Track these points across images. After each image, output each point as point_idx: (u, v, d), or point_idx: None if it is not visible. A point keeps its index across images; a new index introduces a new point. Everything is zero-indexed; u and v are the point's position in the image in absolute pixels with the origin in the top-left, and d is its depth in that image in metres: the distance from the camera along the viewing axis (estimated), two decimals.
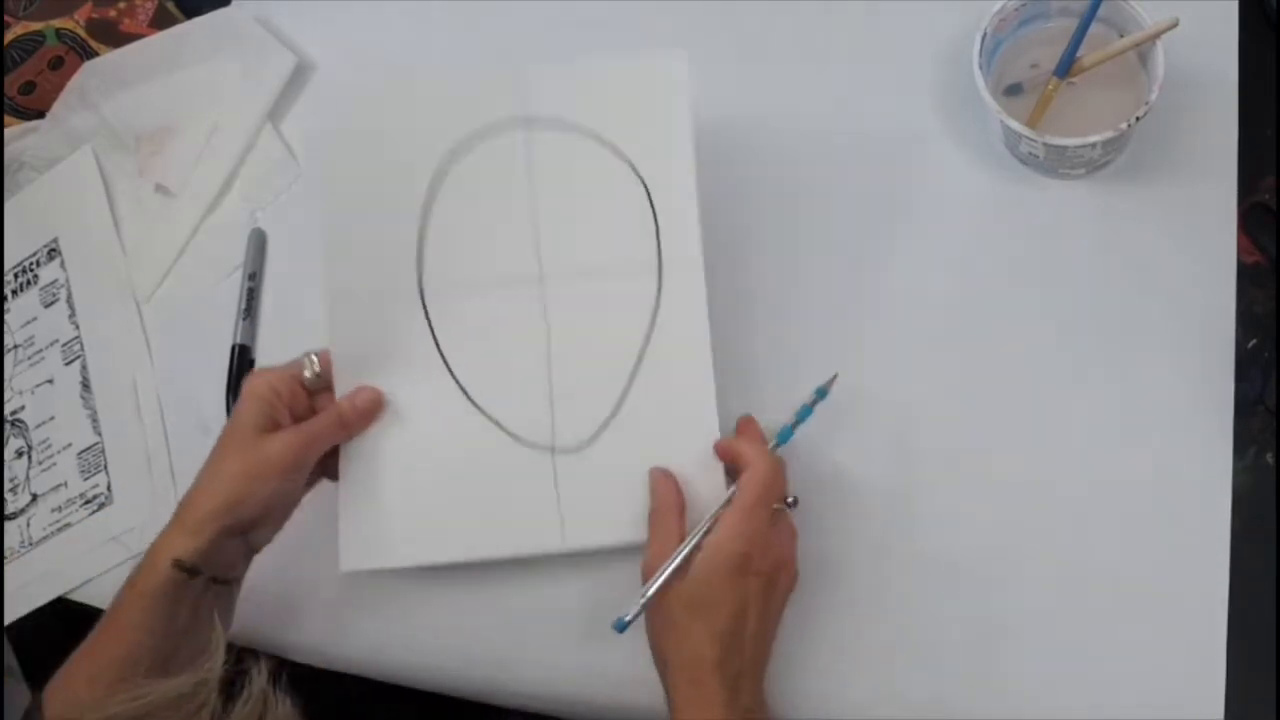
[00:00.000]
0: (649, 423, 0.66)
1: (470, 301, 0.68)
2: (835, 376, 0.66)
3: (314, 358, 0.67)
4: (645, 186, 0.67)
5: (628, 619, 0.60)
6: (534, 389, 0.67)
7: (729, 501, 0.61)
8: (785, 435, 0.65)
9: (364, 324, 0.68)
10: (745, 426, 0.66)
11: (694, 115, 0.67)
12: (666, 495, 0.63)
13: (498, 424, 0.67)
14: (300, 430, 0.64)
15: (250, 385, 0.65)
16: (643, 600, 0.60)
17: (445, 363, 0.67)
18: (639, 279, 0.67)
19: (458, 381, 0.67)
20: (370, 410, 0.67)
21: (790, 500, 0.63)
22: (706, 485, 0.64)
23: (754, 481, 0.61)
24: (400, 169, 0.68)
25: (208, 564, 0.62)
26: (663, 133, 0.67)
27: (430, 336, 0.68)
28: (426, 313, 0.68)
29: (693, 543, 0.60)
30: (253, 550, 0.66)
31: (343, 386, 0.67)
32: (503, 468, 0.66)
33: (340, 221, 0.68)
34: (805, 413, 0.65)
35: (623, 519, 0.65)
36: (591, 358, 0.67)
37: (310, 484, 0.67)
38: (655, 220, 0.67)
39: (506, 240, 0.68)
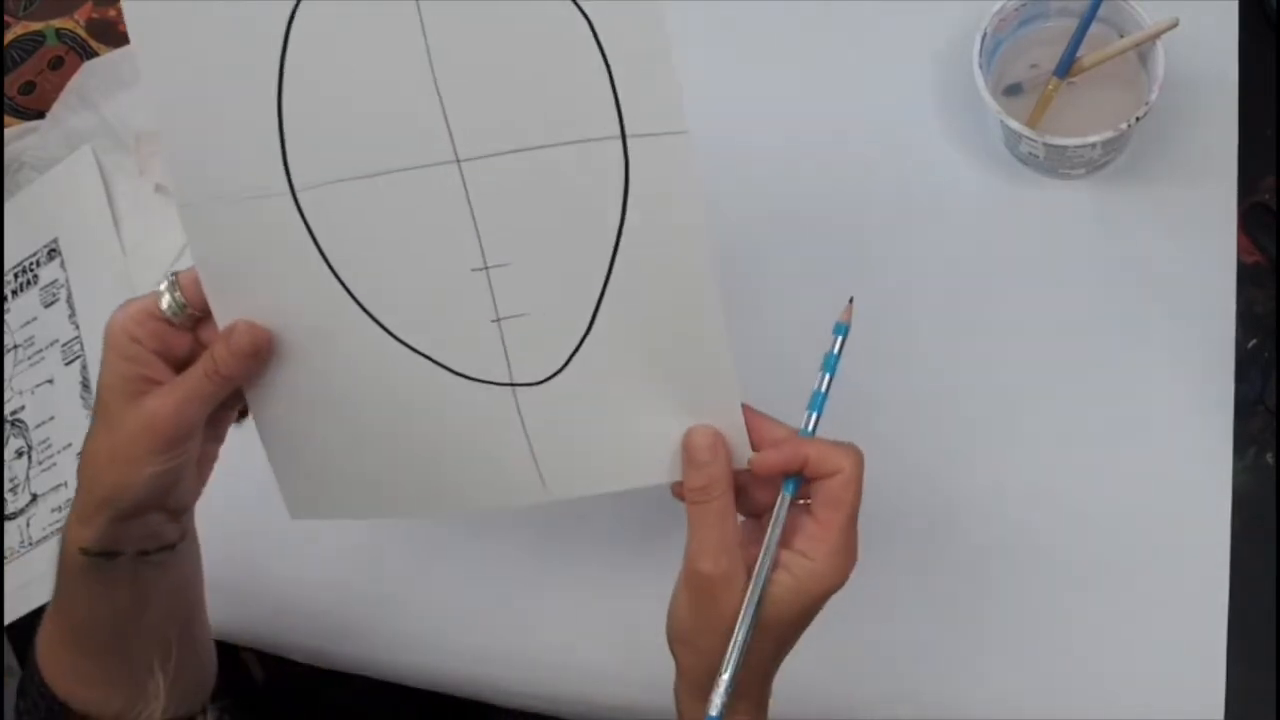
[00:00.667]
0: (636, 335, 0.50)
1: (361, 198, 0.50)
2: (851, 301, 0.52)
3: (173, 282, 0.52)
4: (588, 19, 0.47)
5: (714, 715, 0.47)
6: (469, 309, 0.51)
7: (805, 508, 0.50)
8: (819, 402, 0.51)
9: (230, 243, 0.51)
10: (755, 420, 0.51)
11: None
12: (715, 471, 0.49)
13: (427, 356, 0.52)
14: (171, 395, 0.50)
15: (107, 331, 0.51)
16: (724, 687, 0.47)
17: (342, 284, 0.51)
18: (598, 157, 0.48)
19: (365, 310, 0.51)
20: (252, 350, 0.51)
21: None
22: (720, 412, 0.51)
23: (851, 490, 0.49)
24: (240, 22, 0.49)
25: (121, 544, 0.53)
26: None
27: (316, 251, 0.51)
28: (304, 218, 0.50)
29: (765, 573, 0.48)
30: (178, 512, 0.55)
31: (222, 324, 0.52)
32: (451, 410, 0.52)
33: (174, 108, 0.50)
34: (831, 362, 0.52)
35: (615, 461, 0.52)
36: (545, 261, 0.50)
37: (224, 421, 0.56)
38: (608, 68, 0.47)
39: (399, 110, 0.49)
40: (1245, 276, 0.66)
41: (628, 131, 0.47)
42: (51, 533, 0.80)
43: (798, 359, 0.71)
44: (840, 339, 0.52)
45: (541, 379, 0.52)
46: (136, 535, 0.53)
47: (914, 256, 0.71)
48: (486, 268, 0.50)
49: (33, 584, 0.79)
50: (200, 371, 0.51)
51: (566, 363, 0.51)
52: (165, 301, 0.51)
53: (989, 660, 0.63)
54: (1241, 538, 0.62)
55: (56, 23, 0.91)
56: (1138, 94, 0.67)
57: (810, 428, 0.51)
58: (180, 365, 0.52)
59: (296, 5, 0.48)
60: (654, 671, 0.66)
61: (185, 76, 0.50)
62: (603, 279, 0.50)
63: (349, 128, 0.49)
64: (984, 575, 0.64)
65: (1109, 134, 0.63)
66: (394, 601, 0.72)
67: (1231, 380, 0.64)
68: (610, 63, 0.47)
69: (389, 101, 0.49)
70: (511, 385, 0.52)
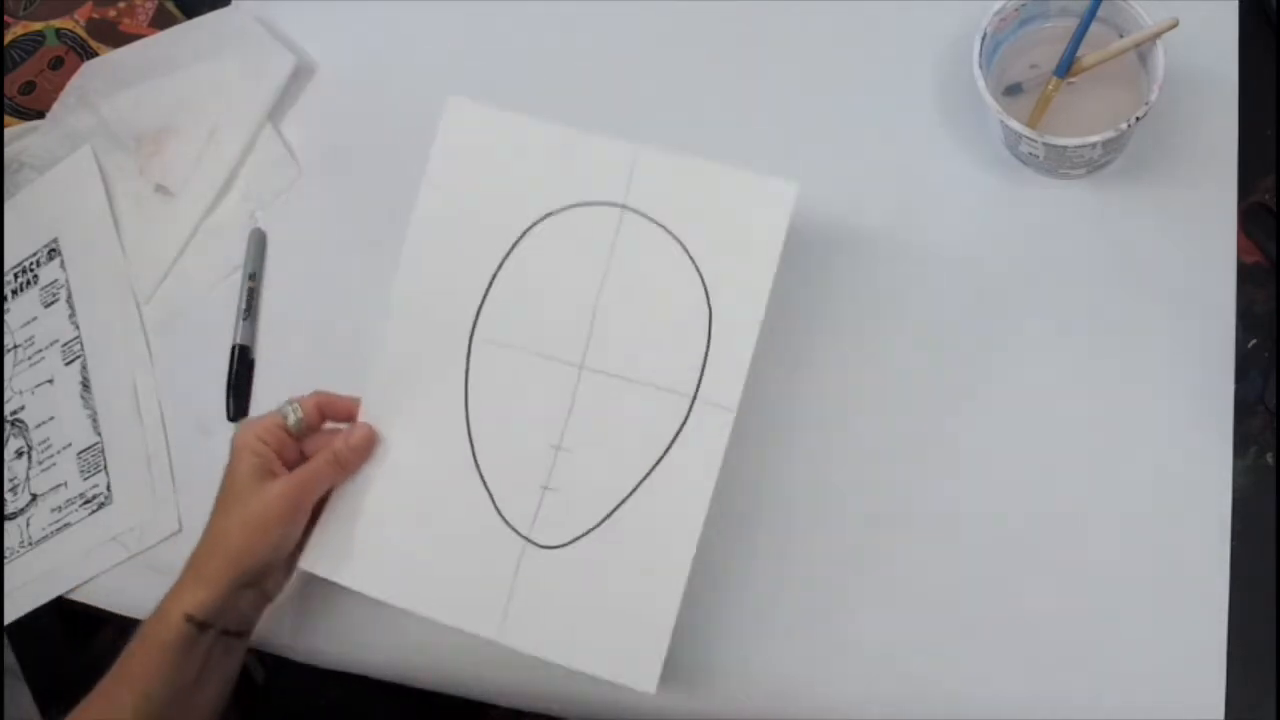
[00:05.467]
0: (627, 550, 0.63)
1: (509, 364, 0.66)
2: None
3: (295, 405, 0.67)
4: (710, 315, 0.64)
5: None
6: (533, 471, 0.65)
7: None
8: None
9: (413, 351, 0.68)
10: None
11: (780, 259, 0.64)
12: None
13: (489, 494, 0.66)
14: (297, 475, 0.65)
15: (240, 439, 0.66)
16: None
17: (466, 415, 0.67)
18: (670, 405, 0.64)
19: (470, 438, 0.66)
20: (365, 448, 0.67)
21: None
22: (647, 637, 0.62)
23: None
24: (495, 216, 0.67)
25: (220, 618, 0.63)
26: (746, 267, 0.64)
27: (463, 384, 0.67)
28: (468, 361, 0.67)
29: None
30: (266, 599, 0.67)
31: (372, 405, 0.68)
32: (475, 537, 0.65)
33: (423, 246, 0.68)
34: None
35: (563, 638, 0.63)
36: (597, 462, 0.64)
37: (302, 539, 0.67)
38: (707, 354, 0.64)
39: (563, 317, 0.66)
40: (1245, 276, 0.66)
41: (699, 397, 0.63)
42: (51, 532, 0.80)
43: (793, 356, 0.71)
44: None
45: (548, 544, 0.64)
46: (235, 613, 0.64)
47: (914, 256, 0.71)
48: (559, 448, 0.65)
49: (32, 584, 0.79)
50: (322, 461, 0.65)
51: (570, 542, 0.64)
52: (291, 419, 0.67)
53: (989, 660, 0.63)
54: (1241, 538, 0.62)
55: (56, 23, 0.91)
56: (1138, 94, 0.67)
57: None
58: (288, 466, 0.66)
59: (534, 226, 0.67)
60: None
61: (449, 220, 0.68)
62: (627, 491, 0.64)
63: (527, 315, 0.67)
64: (984, 575, 0.64)
65: (1109, 134, 0.63)
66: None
67: (1231, 380, 0.64)
68: (710, 350, 0.64)
69: (562, 307, 0.66)
70: (526, 540, 0.65)
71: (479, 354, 0.67)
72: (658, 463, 0.63)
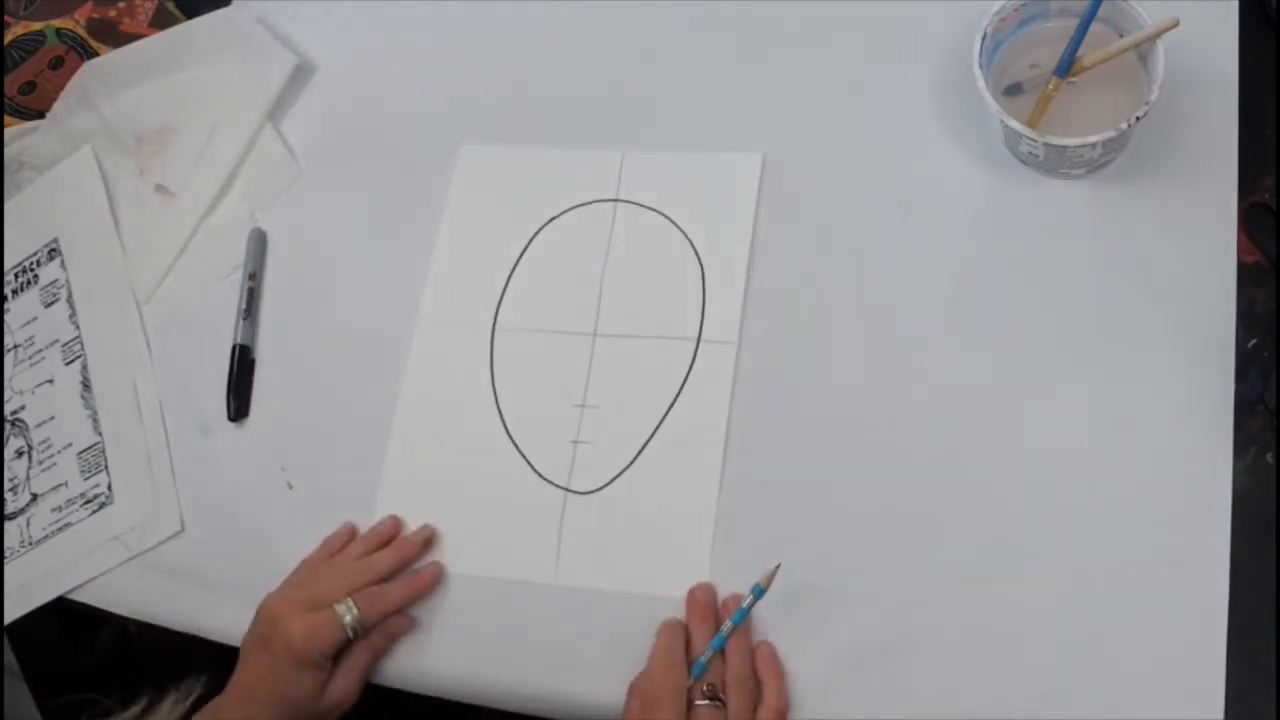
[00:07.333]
0: (657, 482, 0.70)
1: (529, 345, 0.75)
2: (777, 568, 0.63)
3: (351, 605, 0.67)
4: (702, 267, 0.73)
5: None
6: (563, 430, 0.72)
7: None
8: (718, 643, 0.64)
9: (441, 355, 0.76)
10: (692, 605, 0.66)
11: (756, 213, 0.74)
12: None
13: (525, 459, 0.72)
14: (349, 675, 0.67)
15: (303, 645, 0.65)
16: None
17: (496, 399, 0.74)
18: (678, 349, 0.72)
19: (501, 414, 0.74)
20: (401, 635, 0.70)
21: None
22: (691, 549, 0.68)
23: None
24: (506, 230, 0.78)
25: None
26: (727, 224, 0.74)
27: (489, 372, 0.75)
28: (492, 347, 0.75)
29: None
30: None
31: (412, 399, 0.75)
32: (520, 498, 0.71)
33: (452, 255, 0.78)
34: (740, 615, 0.64)
35: (613, 568, 0.69)
36: (619, 413, 0.72)
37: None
38: (704, 302, 0.73)
39: (573, 297, 0.75)
40: (1245, 276, 0.66)
41: (703, 337, 0.72)
42: (52, 532, 0.80)
43: (793, 354, 0.71)
44: (753, 599, 0.63)
45: (586, 491, 0.71)
46: None
47: (914, 256, 0.71)
48: (584, 406, 0.72)
49: (32, 584, 0.79)
50: (368, 655, 0.68)
51: (606, 485, 0.71)
52: (349, 619, 0.66)
53: (989, 660, 0.63)
54: (1241, 538, 0.61)
55: (56, 23, 0.91)
56: (1138, 94, 0.67)
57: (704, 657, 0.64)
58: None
59: (544, 228, 0.77)
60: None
61: (467, 229, 0.79)
62: (650, 431, 0.71)
63: (543, 300, 0.76)
64: (983, 575, 0.64)
65: (1109, 134, 0.63)
66: None
67: (1231, 380, 0.64)
68: (706, 295, 0.73)
69: (573, 290, 0.75)
70: (566, 491, 0.71)
71: (501, 343, 0.75)
72: (675, 399, 0.71)
